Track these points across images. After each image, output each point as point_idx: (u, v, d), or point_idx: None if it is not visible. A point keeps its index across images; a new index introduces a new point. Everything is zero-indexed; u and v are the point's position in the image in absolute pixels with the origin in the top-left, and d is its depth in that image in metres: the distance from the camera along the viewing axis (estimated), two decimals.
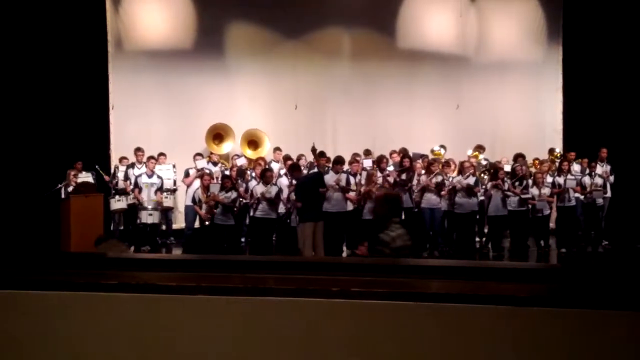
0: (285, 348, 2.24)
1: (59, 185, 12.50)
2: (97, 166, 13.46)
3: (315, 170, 12.23)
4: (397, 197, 5.84)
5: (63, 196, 12.21)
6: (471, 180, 12.59)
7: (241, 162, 13.94)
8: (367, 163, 13.21)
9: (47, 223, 11.78)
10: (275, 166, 13.68)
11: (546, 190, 12.61)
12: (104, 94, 14.79)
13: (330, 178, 11.85)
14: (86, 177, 12.81)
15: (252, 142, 15.23)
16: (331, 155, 13.07)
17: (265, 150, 14.95)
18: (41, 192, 12.30)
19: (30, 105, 13.30)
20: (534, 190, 12.54)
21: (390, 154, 14.01)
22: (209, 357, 2.28)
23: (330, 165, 12.45)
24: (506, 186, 12.51)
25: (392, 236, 5.12)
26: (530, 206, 12.60)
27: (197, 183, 13.02)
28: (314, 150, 12.08)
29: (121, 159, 13.90)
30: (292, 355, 2.24)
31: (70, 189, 12.24)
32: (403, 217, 12.37)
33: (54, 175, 12.71)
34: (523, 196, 12.49)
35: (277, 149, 14.46)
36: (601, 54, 14.95)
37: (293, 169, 11.79)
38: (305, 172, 12.72)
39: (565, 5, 16.32)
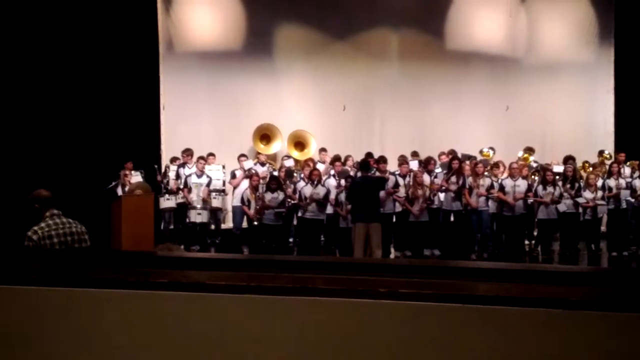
0: (332, 348, 2.24)
1: (112, 184, 12.68)
2: (155, 165, 13.69)
3: (377, 174, 12.04)
4: (42, 194, 5.71)
5: (120, 194, 12.35)
6: (521, 183, 12.48)
7: (289, 163, 13.99)
8: (414, 164, 13.15)
9: (99, 221, 11.95)
10: (320, 167, 13.67)
11: (599, 194, 12.43)
12: (155, 94, 15.00)
13: None
14: (135, 176, 12.98)
15: (299, 143, 15.27)
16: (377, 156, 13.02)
17: (312, 152, 14.96)
18: (94, 191, 12.49)
19: (84, 105, 13.53)
20: (587, 194, 12.37)
21: (439, 156, 13.92)
22: (257, 356, 2.30)
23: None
24: (557, 192, 12.35)
25: (35, 229, 5.24)
26: (581, 209, 12.45)
27: (245, 183, 13.08)
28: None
29: (173, 159, 14.07)
30: (340, 355, 2.24)
31: (126, 188, 12.39)
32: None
33: (107, 174, 12.92)
34: (577, 199, 12.34)
35: (322, 149, 14.48)
36: None
37: (363, 167, 11.55)
38: (352, 173, 12.71)
39: (617, 4, 16.06)
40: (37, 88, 13.07)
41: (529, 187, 12.55)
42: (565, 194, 12.40)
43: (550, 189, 12.37)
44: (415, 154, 14.25)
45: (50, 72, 13.20)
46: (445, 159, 13.65)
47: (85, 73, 13.52)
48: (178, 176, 13.40)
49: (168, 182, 13.53)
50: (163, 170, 14.02)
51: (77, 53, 13.53)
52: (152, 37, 15.05)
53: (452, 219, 12.68)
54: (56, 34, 13.35)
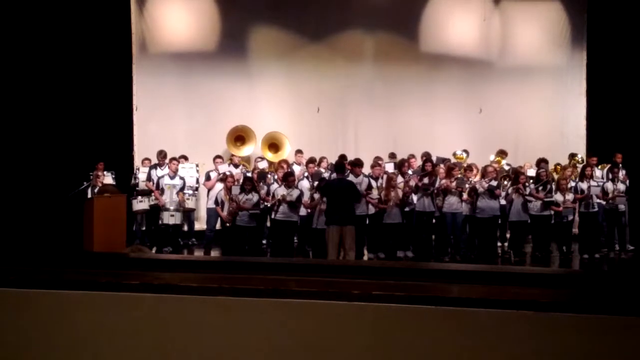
0: (305, 350, 2.24)
1: (83, 185, 12.59)
2: (131, 174, 13.64)
3: (350, 177, 12.06)
4: None
5: (89, 196, 12.26)
6: (493, 184, 12.54)
7: (263, 165, 13.96)
8: (390, 166, 13.17)
9: (70, 223, 11.85)
10: (296, 168, 13.68)
11: (570, 196, 12.52)
12: (128, 95, 14.91)
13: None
14: (107, 176, 12.89)
15: (273, 145, 15.22)
16: (352, 158, 13.02)
17: (286, 154, 14.90)
18: (65, 192, 12.40)
19: (55, 106, 13.42)
20: (558, 196, 12.45)
21: (412, 158, 13.95)
22: (229, 358, 2.29)
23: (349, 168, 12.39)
24: (527, 191, 12.44)
25: None
26: (553, 212, 12.52)
27: (219, 185, 13.04)
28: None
29: (144, 160, 13.99)
30: (313, 358, 2.24)
31: (96, 189, 12.32)
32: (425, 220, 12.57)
33: (78, 175, 12.81)
34: (546, 199, 12.40)
35: (298, 151, 14.45)
36: (626, 58, 14.81)
37: (338, 169, 11.55)
38: (326, 175, 12.69)
39: (589, 9, 16.18)
40: (7, 88, 12.93)
41: (499, 187, 12.61)
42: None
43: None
44: (392, 156, 14.29)
45: (22, 72, 13.07)
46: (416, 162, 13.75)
47: (57, 73, 13.41)
48: (150, 177, 13.31)
49: (138, 184, 13.45)
50: (134, 172, 13.94)
51: (49, 53, 13.41)
52: (125, 37, 14.96)
53: (425, 221, 12.72)
54: (28, 33, 13.23)
